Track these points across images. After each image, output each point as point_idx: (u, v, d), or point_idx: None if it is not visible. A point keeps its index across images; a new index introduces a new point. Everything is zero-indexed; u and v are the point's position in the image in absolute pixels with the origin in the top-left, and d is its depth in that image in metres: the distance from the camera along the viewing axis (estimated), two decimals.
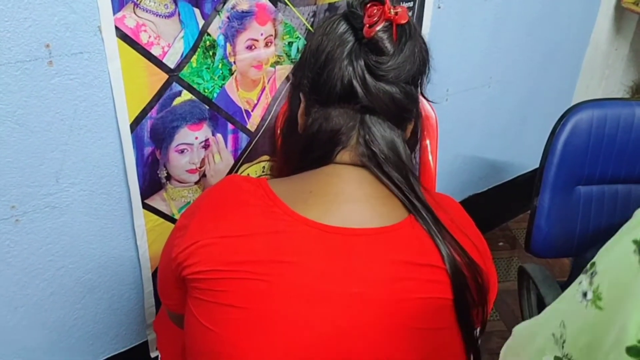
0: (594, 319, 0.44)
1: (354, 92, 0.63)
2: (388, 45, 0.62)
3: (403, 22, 0.61)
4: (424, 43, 0.67)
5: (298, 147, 0.70)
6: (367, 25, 0.61)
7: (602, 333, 0.43)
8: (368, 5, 0.63)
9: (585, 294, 0.45)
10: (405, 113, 0.66)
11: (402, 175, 0.64)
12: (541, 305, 1.09)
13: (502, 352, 0.57)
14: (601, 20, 1.78)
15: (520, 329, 0.55)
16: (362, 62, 0.62)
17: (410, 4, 1.20)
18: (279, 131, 1.05)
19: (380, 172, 0.64)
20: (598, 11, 1.74)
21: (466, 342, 0.64)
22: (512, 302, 1.61)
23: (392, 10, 0.61)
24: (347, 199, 0.63)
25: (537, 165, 1.13)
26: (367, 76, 0.62)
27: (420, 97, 0.70)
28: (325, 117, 0.65)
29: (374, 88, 0.62)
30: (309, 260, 0.59)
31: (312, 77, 0.66)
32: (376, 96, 0.63)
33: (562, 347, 0.47)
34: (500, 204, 1.86)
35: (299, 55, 1.04)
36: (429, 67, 0.68)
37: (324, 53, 0.64)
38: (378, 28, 0.61)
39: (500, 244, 1.86)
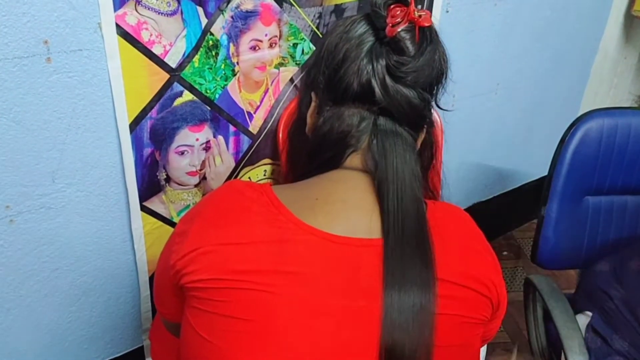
0: None
1: (371, 91, 0.61)
2: (410, 45, 0.61)
3: (426, 25, 0.61)
4: (444, 52, 0.65)
5: (306, 149, 0.68)
6: (390, 24, 0.61)
7: None
8: (392, 5, 0.62)
9: None
10: (420, 119, 0.65)
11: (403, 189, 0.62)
12: (547, 318, 1.06)
13: None
14: (610, 28, 1.75)
15: None
16: (383, 62, 0.61)
17: (419, 7, 1.18)
18: (280, 135, 1.04)
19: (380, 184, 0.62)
20: (607, 19, 1.72)
21: None
22: (516, 313, 1.58)
23: (416, 12, 0.60)
24: (354, 207, 0.61)
25: (544, 174, 1.11)
26: (387, 77, 0.61)
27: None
28: (338, 116, 0.64)
29: (392, 89, 0.61)
30: (314, 271, 0.57)
31: (328, 74, 0.65)
32: (394, 98, 0.61)
33: None
34: (505, 212, 1.83)
35: (308, 55, 1.02)
36: (446, 77, 0.66)
37: (342, 51, 0.63)
38: (400, 28, 0.60)
39: (505, 253, 1.83)
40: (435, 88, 0.66)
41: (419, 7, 1.17)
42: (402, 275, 0.56)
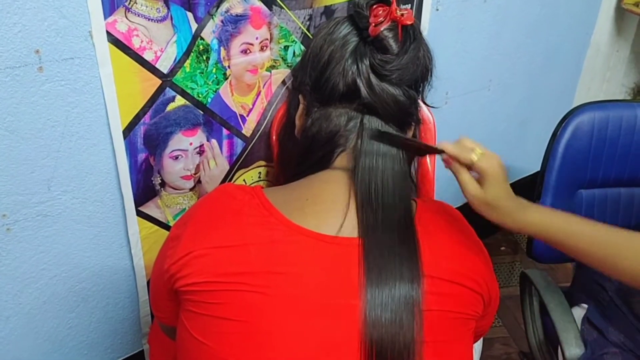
0: None
1: (357, 91, 0.62)
2: (393, 44, 0.62)
3: (409, 23, 0.62)
4: (428, 50, 0.66)
5: (296, 150, 0.69)
6: (373, 24, 0.62)
7: None
8: (374, 5, 0.63)
9: None
10: (407, 117, 0.66)
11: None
12: (544, 312, 1.07)
13: None
14: (602, 22, 1.76)
15: None
16: (367, 62, 0.62)
17: (408, 5, 1.19)
18: (274, 137, 1.04)
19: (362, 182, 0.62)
20: (598, 13, 1.73)
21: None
22: (515, 308, 1.59)
23: (398, 11, 0.61)
24: (343, 207, 0.61)
25: (538, 169, 1.11)
26: (372, 76, 0.62)
27: (420, 103, 0.69)
28: (326, 117, 0.64)
29: (377, 88, 0.62)
30: (306, 271, 0.57)
31: (314, 75, 0.65)
32: (379, 96, 0.62)
33: None
34: None
35: (299, 57, 1.03)
36: (431, 74, 0.67)
37: (327, 52, 0.64)
38: (383, 27, 0.61)
39: (502, 248, 1.84)
40: (421, 85, 0.67)
41: (408, 5, 1.18)
42: (381, 272, 0.56)
